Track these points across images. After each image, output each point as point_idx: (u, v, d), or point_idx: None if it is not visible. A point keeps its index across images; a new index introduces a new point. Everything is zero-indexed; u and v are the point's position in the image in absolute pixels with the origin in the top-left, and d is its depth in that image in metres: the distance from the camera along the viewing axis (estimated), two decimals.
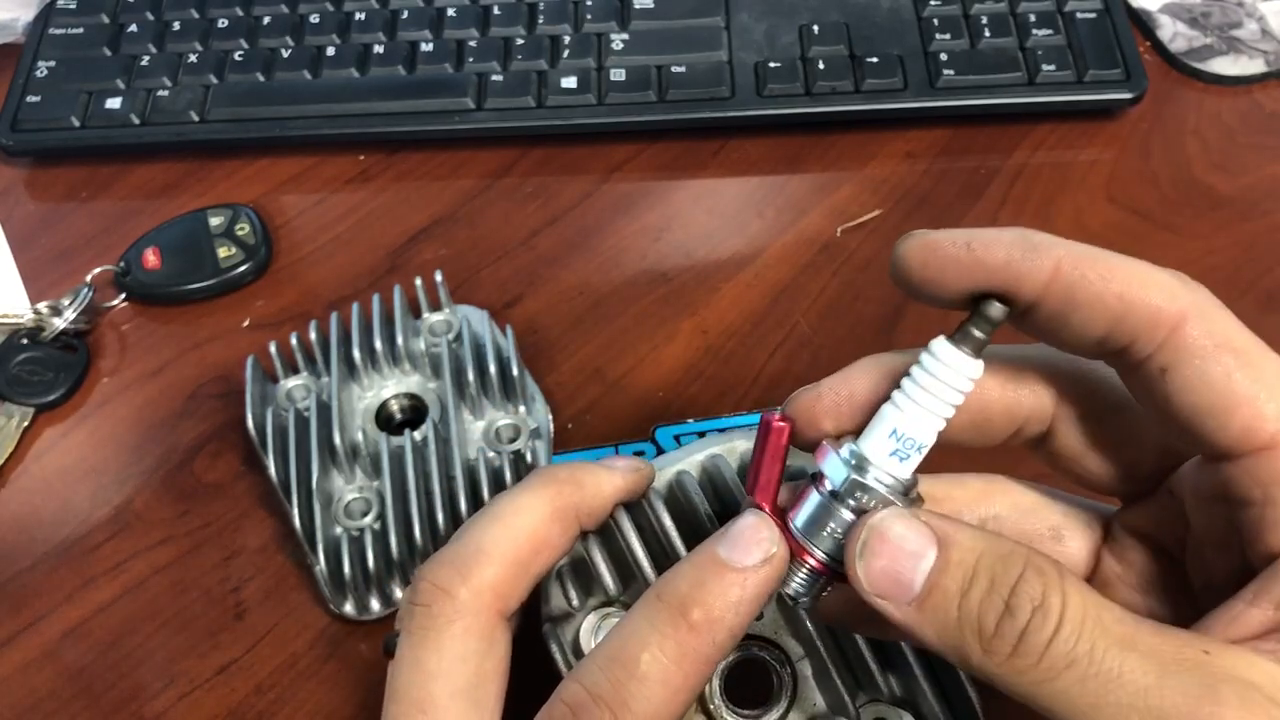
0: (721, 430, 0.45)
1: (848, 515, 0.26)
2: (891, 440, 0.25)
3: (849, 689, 0.32)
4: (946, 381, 0.25)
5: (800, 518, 0.27)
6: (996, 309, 0.24)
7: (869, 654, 0.32)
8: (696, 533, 0.32)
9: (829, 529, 0.26)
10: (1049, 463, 0.29)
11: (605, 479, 0.31)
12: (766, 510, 0.27)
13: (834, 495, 0.26)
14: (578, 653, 0.32)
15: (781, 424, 0.27)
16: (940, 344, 0.25)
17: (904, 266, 0.25)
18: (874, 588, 0.24)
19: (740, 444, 0.35)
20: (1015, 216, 0.52)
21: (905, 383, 0.25)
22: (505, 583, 0.29)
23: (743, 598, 0.26)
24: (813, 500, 0.26)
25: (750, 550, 0.26)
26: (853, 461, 0.26)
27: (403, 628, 0.29)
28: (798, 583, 0.27)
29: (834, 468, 0.26)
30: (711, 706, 0.32)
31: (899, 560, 0.24)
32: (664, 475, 0.34)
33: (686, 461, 0.34)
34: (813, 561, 0.26)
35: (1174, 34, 0.58)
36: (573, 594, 0.32)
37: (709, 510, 0.33)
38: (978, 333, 0.24)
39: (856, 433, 0.27)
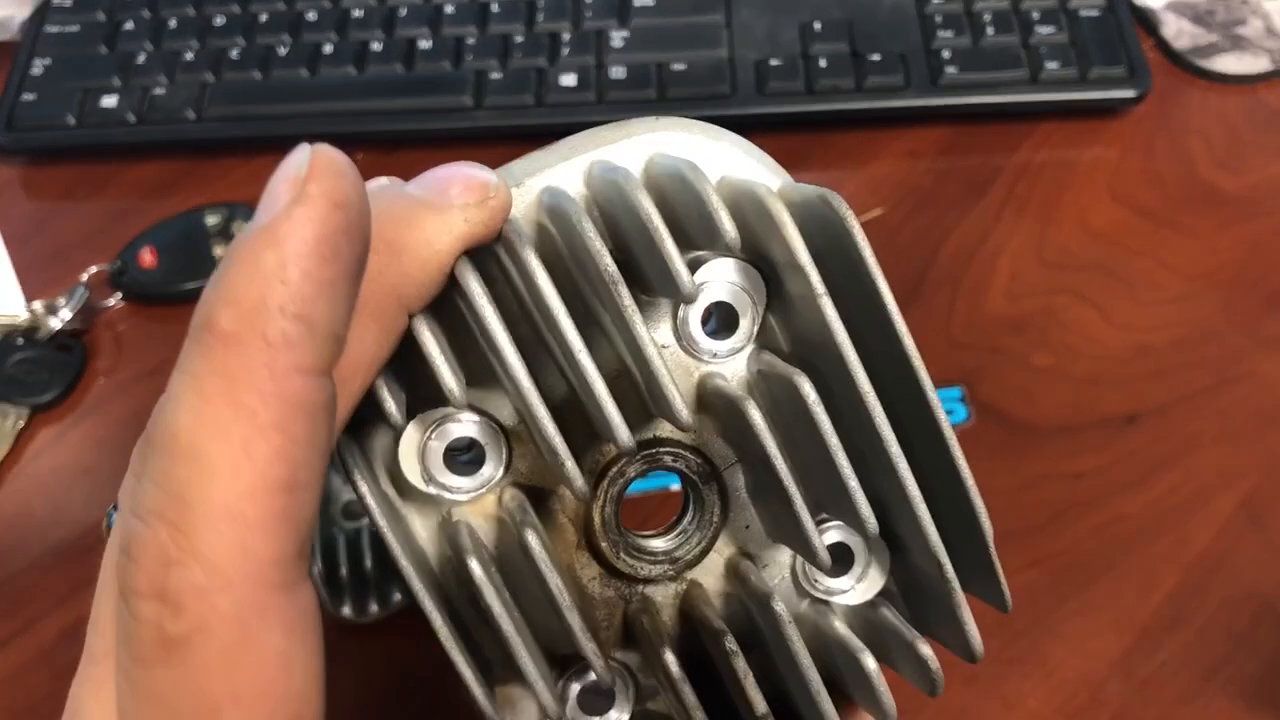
0: None
1: None
2: None
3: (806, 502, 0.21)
4: None
5: None
6: None
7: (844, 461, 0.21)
8: (587, 284, 0.21)
9: None
10: None
11: (434, 229, 0.20)
12: None
13: None
14: (398, 481, 0.22)
15: None
16: None
17: None
18: None
19: (640, 135, 0.22)
20: (1019, 215, 0.51)
21: None
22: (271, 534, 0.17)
23: (281, 256, 0.16)
24: None
25: (277, 197, 0.16)
26: None
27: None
28: None
29: None
30: (605, 544, 0.22)
31: None
32: (526, 198, 0.22)
33: (560, 172, 0.22)
34: None
35: (1178, 31, 0.57)
36: (391, 402, 0.20)
37: (605, 249, 0.20)
38: None
39: None
